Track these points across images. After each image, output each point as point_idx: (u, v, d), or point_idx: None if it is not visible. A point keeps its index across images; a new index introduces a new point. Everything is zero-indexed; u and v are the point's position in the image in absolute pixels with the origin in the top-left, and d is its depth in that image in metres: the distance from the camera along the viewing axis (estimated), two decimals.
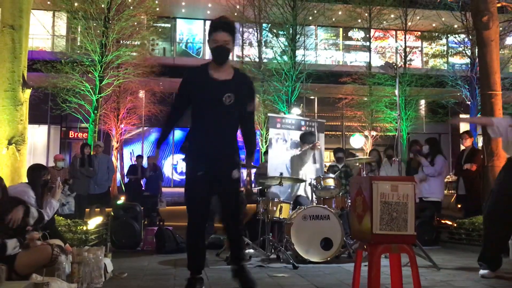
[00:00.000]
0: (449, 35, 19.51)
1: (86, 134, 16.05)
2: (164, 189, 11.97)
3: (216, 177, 3.38)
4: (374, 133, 19.21)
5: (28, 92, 6.04)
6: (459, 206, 8.51)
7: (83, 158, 8.67)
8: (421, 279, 2.83)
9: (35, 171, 4.32)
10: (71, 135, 21.22)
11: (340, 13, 19.16)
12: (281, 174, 5.63)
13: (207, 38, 3.45)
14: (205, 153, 3.40)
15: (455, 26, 17.97)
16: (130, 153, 9.48)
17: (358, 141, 20.05)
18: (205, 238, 3.59)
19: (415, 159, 7.61)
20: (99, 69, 14.99)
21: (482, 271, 4.18)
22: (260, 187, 6.16)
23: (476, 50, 9.65)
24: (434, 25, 19.35)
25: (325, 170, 7.42)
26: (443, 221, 6.89)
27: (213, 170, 3.36)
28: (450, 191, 14.79)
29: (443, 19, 18.20)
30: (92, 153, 8.93)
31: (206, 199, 3.41)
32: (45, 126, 20.87)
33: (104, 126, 17.25)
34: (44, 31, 19.37)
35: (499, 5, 8.38)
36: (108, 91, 15.58)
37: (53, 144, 21.16)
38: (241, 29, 19.16)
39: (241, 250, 3.53)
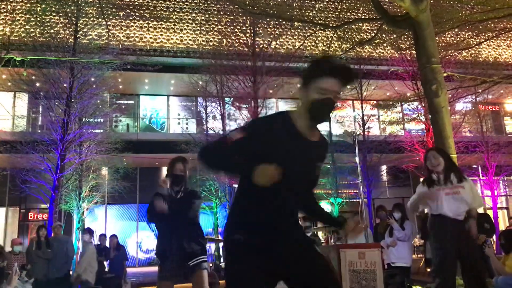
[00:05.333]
0: (403, 103, 20.50)
1: (47, 215, 15.45)
2: (128, 269, 11.51)
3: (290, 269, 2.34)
4: (339, 199, 19.39)
5: None
6: (428, 270, 8.54)
7: (39, 241, 8.39)
8: None
9: None
10: (31, 217, 20.37)
11: (298, 85, 19.92)
12: None
13: (302, 82, 2.45)
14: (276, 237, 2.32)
15: (408, 94, 18.97)
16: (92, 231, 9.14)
17: (324, 208, 20.16)
18: None
19: (381, 224, 7.68)
20: (61, 147, 14.78)
21: None
22: None
23: (430, 116, 10.16)
24: (388, 94, 20.37)
25: None
26: (413, 287, 6.86)
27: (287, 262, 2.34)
28: (418, 255, 14.86)
29: (396, 88, 19.24)
30: (53, 235, 8.62)
31: None
32: (3, 208, 20.03)
33: (65, 206, 16.72)
34: (4, 112, 19.17)
35: (445, 74, 8.96)
36: (70, 170, 15.27)
37: (11, 228, 20.19)
38: (204, 104, 19.54)
39: None
